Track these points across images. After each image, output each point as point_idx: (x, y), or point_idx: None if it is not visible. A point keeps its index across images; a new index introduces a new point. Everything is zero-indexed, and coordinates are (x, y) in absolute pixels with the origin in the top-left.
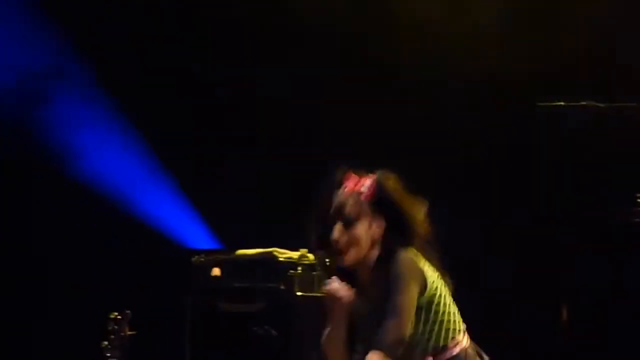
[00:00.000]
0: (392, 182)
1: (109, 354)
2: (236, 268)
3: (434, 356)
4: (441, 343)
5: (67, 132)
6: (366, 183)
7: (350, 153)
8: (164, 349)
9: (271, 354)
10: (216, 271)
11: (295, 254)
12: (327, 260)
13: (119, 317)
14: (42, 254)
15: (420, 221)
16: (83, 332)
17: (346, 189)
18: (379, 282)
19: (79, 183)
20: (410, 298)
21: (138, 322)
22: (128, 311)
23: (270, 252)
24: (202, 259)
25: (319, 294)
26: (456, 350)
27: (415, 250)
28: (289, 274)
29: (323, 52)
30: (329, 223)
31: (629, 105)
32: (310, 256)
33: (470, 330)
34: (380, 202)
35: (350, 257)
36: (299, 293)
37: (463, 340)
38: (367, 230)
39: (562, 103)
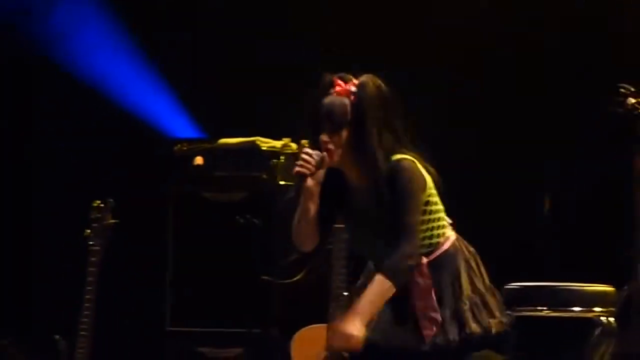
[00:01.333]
0: (375, 86)
1: (91, 242)
2: (218, 157)
3: (427, 255)
4: (434, 240)
5: (49, 21)
6: (351, 87)
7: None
8: (146, 237)
9: (254, 242)
10: (198, 160)
11: (278, 143)
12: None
13: (101, 205)
14: (28, 144)
15: (402, 123)
16: (66, 221)
17: (334, 94)
18: (370, 184)
19: (63, 71)
20: (418, 213)
21: (120, 210)
22: (110, 200)
23: (253, 141)
24: (185, 148)
25: None
26: (446, 245)
27: (409, 152)
28: (271, 162)
29: None
30: (319, 127)
31: None
32: (293, 145)
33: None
34: (363, 106)
35: (336, 159)
36: (281, 182)
37: (451, 235)
38: (348, 134)
39: None
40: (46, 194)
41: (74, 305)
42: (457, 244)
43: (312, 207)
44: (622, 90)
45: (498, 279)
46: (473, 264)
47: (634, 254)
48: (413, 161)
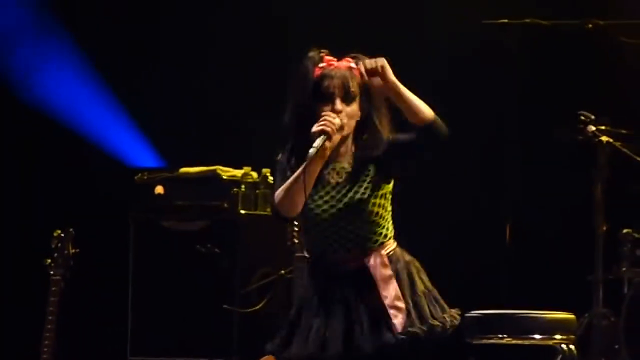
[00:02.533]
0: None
1: (52, 272)
2: (179, 186)
3: (383, 247)
4: (390, 233)
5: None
6: (351, 63)
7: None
8: (107, 266)
9: (215, 271)
10: (159, 189)
11: (238, 172)
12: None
13: (62, 234)
14: None
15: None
16: (27, 250)
17: (341, 66)
18: (356, 159)
19: (24, 102)
20: None
21: (81, 240)
22: (71, 229)
23: (214, 170)
24: (145, 177)
25: (262, 212)
26: (393, 245)
27: None
28: (232, 191)
29: None
30: (327, 98)
31: (572, 23)
32: (254, 174)
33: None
34: (365, 89)
35: (345, 131)
36: (242, 211)
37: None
38: (357, 110)
39: (506, 20)
40: (6, 223)
41: (35, 334)
42: (397, 250)
43: (318, 168)
44: (582, 117)
45: (458, 306)
46: (415, 268)
47: (594, 281)
48: None
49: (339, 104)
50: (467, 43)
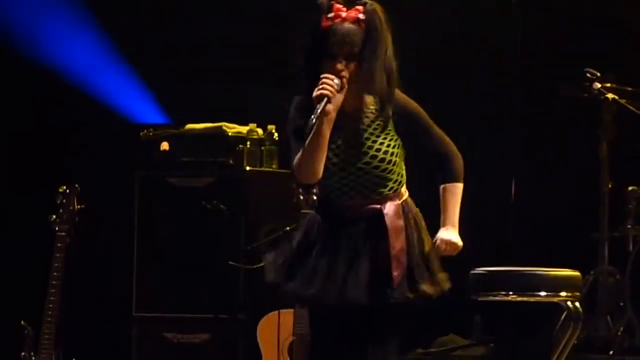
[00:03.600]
0: (383, 13)
1: (57, 227)
2: (185, 142)
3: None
4: (403, 179)
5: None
6: (359, 14)
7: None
8: (112, 222)
9: (220, 228)
10: (164, 145)
11: (244, 129)
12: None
13: (67, 190)
14: None
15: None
16: (31, 206)
17: (338, 20)
18: (359, 116)
19: (29, 60)
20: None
21: (86, 196)
22: (77, 185)
23: (219, 126)
24: (151, 134)
25: (267, 169)
26: (406, 194)
27: None
28: (237, 148)
29: None
30: (323, 53)
31: None
32: (259, 131)
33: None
34: (376, 35)
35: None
36: (247, 167)
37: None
38: (364, 63)
39: None
40: (11, 179)
41: (40, 290)
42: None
43: (328, 134)
44: (588, 75)
45: (464, 264)
46: (421, 221)
47: (600, 238)
48: None
49: (339, 65)
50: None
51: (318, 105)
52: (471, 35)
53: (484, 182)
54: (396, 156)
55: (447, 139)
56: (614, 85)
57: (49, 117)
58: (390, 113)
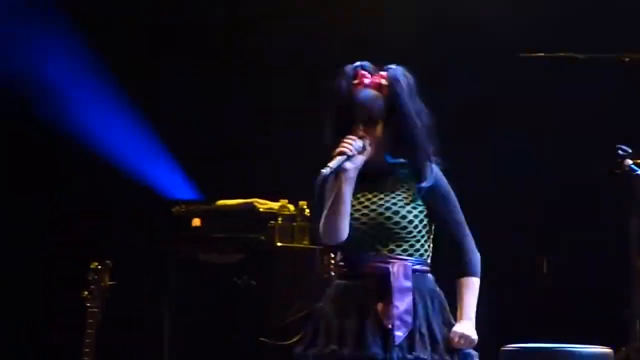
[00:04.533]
0: (407, 78)
1: (89, 304)
2: (216, 218)
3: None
4: (422, 254)
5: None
6: (382, 80)
7: None
8: (144, 299)
9: (251, 304)
10: (197, 222)
11: (275, 205)
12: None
13: (99, 267)
14: (24, 201)
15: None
16: (64, 282)
17: (360, 86)
18: (390, 178)
19: (64, 133)
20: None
21: (118, 272)
22: (108, 261)
23: (251, 203)
24: (183, 209)
25: (299, 245)
26: (424, 267)
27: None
28: (269, 224)
29: None
30: (348, 120)
31: (608, 56)
32: (291, 207)
33: None
34: (391, 104)
35: (370, 154)
36: (278, 244)
37: None
38: (381, 128)
39: (543, 54)
40: (44, 256)
41: None
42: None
43: (348, 194)
44: (620, 151)
45: (497, 340)
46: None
47: (631, 315)
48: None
49: (360, 131)
50: (505, 75)
51: (334, 161)
52: (503, 112)
53: (515, 257)
54: (418, 220)
55: (468, 232)
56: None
57: (82, 193)
58: (414, 180)
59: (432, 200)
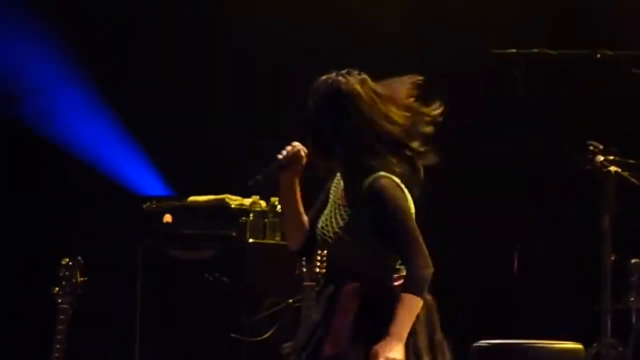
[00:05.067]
0: (357, 83)
1: (60, 300)
2: (188, 215)
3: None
4: (382, 274)
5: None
6: (329, 85)
7: None
8: (115, 295)
9: (223, 300)
10: (168, 218)
11: (247, 201)
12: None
13: (70, 263)
14: None
15: (397, 128)
16: (34, 279)
17: (312, 94)
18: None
19: (35, 130)
20: (414, 224)
21: (89, 268)
22: (79, 257)
23: (222, 199)
24: (154, 206)
25: (270, 241)
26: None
27: (391, 169)
28: (240, 220)
29: None
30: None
31: (580, 53)
32: (262, 203)
33: None
34: (343, 105)
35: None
36: (250, 240)
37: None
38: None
39: (515, 50)
40: (13, 252)
41: None
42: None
43: (291, 199)
44: (591, 147)
45: (467, 334)
46: (434, 313)
47: (601, 311)
48: (393, 180)
49: (299, 143)
50: (475, 72)
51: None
52: (474, 108)
53: (485, 254)
54: (369, 233)
55: (417, 245)
56: (616, 158)
57: (51, 189)
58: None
59: (374, 214)
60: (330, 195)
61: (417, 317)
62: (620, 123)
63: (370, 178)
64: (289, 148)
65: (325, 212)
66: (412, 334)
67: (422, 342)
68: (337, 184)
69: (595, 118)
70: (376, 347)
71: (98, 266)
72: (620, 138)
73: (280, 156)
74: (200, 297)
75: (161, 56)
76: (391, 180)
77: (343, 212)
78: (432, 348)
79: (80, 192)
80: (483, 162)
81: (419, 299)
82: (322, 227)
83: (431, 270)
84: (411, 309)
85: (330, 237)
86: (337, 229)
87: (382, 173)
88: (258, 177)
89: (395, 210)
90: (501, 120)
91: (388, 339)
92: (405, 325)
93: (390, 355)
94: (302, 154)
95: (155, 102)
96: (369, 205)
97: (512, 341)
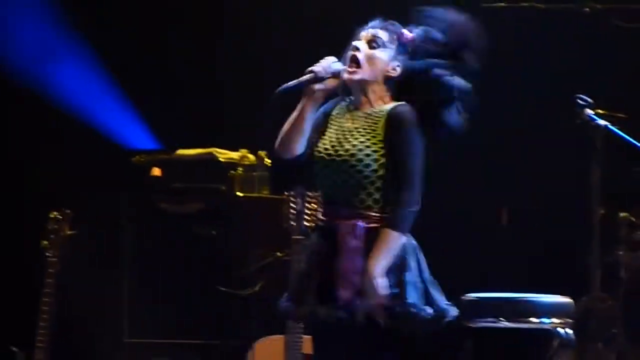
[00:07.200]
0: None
1: (49, 253)
2: (176, 168)
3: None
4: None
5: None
6: (408, 30)
7: None
8: (103, 248)
9: (211, 253)
10: (157, 171)
11: (235, 154)
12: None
13: (59, 216)
14: None
15: None
16: (24, 232)
17: (384, 24)
18: (368, 113)
19: (22, 83)
20: (421, 163)
21: (78, 222)
22: (68, 211)
23: (210, 152)
24: (142, 159)
25: (259, 195)
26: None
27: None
28: (229, 174)
29: None
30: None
31: (568, 6)
32: (251, 156)
33: None
34: (411, 55)
35: (359, 73)
36: (239, 193)
37: None
38: (384, 61)
39: (503, 4)
40: (1, 205)
41: (32, 316)
42: None
43: (309, 113)
44: (579, 101)
45: (457, 290)
46: (420, 254)
47: (591, 264)
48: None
49: (358, 43)
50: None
51: (305, 79)
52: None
53: (474, 208)
54: (377, 164)
55: (414, 182)
56: (605, 112)
57: (39, 143)
58: (382, 120)
59: (389, 143)
60: (333, 121)
61: (405, 252)
62: (608, 78)
63: (400, 110)
64: (331, 65)
65: (329, 134)
66: (405, 268)
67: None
68: (341, 111)
69: (583, 73)
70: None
71: (86, 219)
72: (608, 93)
73: (315, 67)
74: (188, 250)
75: (154, 6)
76: (412, 111)
77: (353, 139)
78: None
79: (69, 146)
80: (476, 117)
81: (399, 234)
82: (327, 149)
83: (415, 208)
84: (391, 243)
85: (335, 159)
86: (344, 154)
87: (402, 103)
88: (289, 85)
89: (410, 145)
90: (488, 75)
91: (368, 278)
92: (386, 258)
93: (378, 292)
94: (346, 75)
95: (144, 54)
96: (386, 127)
97: (501, 295)
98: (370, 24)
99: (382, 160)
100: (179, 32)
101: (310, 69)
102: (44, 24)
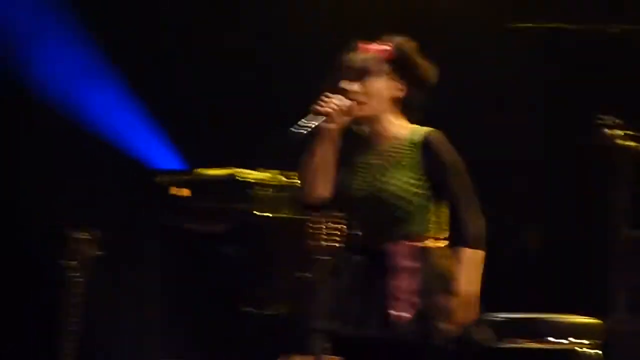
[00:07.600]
0: (412, 47)
1: (75, 274)
2: (201, 188)
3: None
4: (428, 232)
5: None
6: (385, 46)
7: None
8: (129, 269)
9: (234, 273)
10: (185, 192)
11: (261, 175)
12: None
13: (85, 236)
14: (5, 171)
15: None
16: (50, 252)
17: (364, 50)
18: (393, 145)
19: (48, 102)
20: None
21: (103, 241)
22: (95, 231)
23: (233, 173)
24: (168, 179)
25: (287, 215)
26: (433, 243)
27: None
28: (253, 194)
29: None
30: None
31: (598, 27)
32: (279, 177)
33: None
34: (401, 64)
35: (364, 109)
36: (262, 213)
37: None
38: (384, 88)
39: (531, 24)
40: (29, 225)
41: (58, 337)
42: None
43: (330, 152)
44: (600, 122)
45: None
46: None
47: (616, 286)
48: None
49: (345, 84)
50: (492, 47)
51: (305, 119)
52: (492, 83)
53: (499, 228)
54: (418, 197)
55: (472, 201)
56: (631, 133)
57: (65, 163)
58: (419, 152)
59: (432, 174)
60: (357, 159)
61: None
62: (636, 98)
63: (434, 139)
64: (333, 101)
65: (360, 173)
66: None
67: None
68: (362, 148)
69: (610, 93)
70: (454, 306)
71: (111, 240)
72: (636, 113)
73: (319, 107)
74: (213, 271)
75: (178, 26)
76: (442, 135)
77: (379, 174)
78: None
79: (94, 166)
80: (498, 135)
81: (482, 252)
82: (357, 189)
83: (484, 222)
84: (477, 263)
85: (370, 196)
86: (375, 189)
87: (431, 129)
88: (295, 129)
89: (456, 171)
90: (517, 96)
91: (462, 298)
92: (477, 281)
93: (471, 314)
94: (354, 109)
95: (169, 74)
96: (428, 162)
97: (526, 315)
98: (345, 56)
99: (422, 191)
100: (207, 54)
101: (316, 108)
102: (74, 46)
